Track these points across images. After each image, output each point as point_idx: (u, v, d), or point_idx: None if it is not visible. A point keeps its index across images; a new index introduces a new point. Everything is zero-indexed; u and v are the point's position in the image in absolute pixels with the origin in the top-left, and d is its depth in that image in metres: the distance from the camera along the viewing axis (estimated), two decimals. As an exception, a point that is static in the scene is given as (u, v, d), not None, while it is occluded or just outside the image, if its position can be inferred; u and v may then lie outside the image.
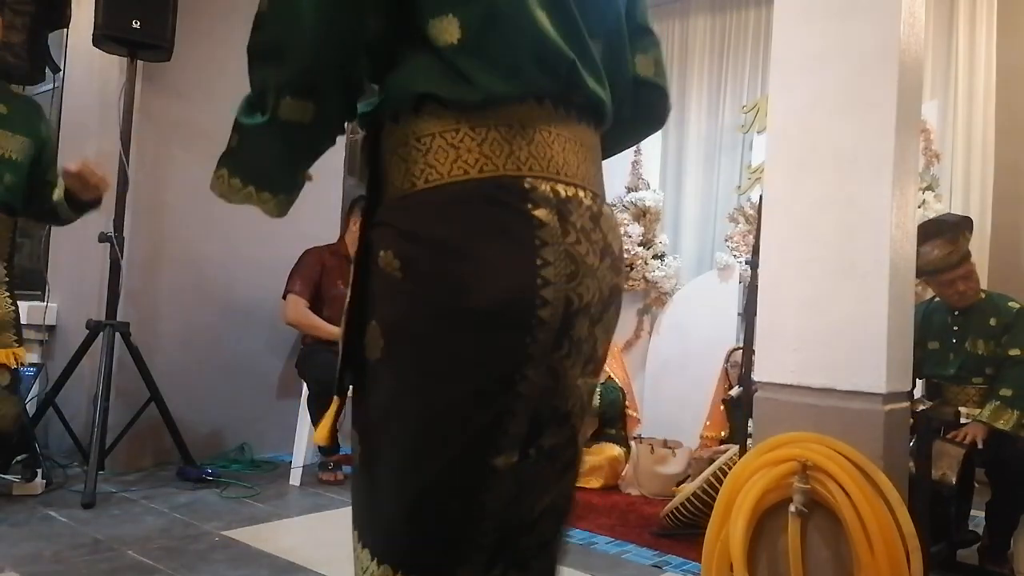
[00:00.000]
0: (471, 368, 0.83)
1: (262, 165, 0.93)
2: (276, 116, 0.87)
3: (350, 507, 0.94)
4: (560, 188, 0.87)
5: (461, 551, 0.86)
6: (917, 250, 2.75)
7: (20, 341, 2.18)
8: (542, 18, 0.86)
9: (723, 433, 3.64)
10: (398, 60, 0.88)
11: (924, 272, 2.82)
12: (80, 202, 2.14)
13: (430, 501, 0.85)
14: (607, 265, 0.92)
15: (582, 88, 0.91)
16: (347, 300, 0.92)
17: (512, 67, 0.85)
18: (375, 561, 0.87)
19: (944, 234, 2.77)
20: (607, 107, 0.95)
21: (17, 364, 2.21)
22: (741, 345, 3.77)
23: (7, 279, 2.12)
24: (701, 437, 3.73)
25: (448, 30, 0.84)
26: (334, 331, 3.42)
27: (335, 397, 0.94)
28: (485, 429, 0.84)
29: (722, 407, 3.71)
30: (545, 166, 0.86)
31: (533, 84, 0.87)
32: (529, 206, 0.84)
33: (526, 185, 0.85)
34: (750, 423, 2.21)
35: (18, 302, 2.27)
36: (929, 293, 3.40)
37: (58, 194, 2.17)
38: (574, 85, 0.90)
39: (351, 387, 0.93)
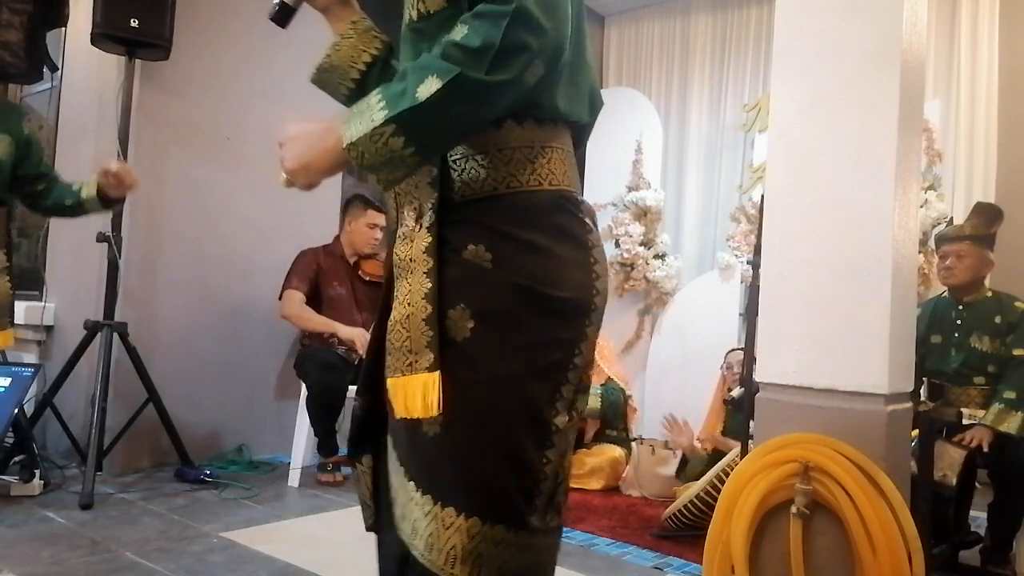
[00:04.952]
0: (550, 343, 1.01)
1: (449, 124, 0.92)
2: (521, 77, 0.91)
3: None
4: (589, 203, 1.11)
5: (531, 500, 1.02)
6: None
7: (12, 323, 2.29)
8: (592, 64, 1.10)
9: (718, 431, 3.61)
10: None
11: (938, 240, 2.94)
12: (109, 199, 2.26)
13: (514, 457, 1.00)
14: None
15: (590, 129, 1.15)
16: (430, 288, 1.00)
17: (582, 97, 1.08)
18: (462, 516, 0.99)
19: (983, 213, 2.85)
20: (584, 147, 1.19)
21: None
22: (739, 346, 3.77)
23: (7, 264, 2.22)
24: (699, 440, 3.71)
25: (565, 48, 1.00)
26: (327, 323, 3.42)
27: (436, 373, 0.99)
28: (551, 394, 1.02)
29: (724, 407, 3.68)
30: (577, 184, 1.09)
31: (584, 115, 1.09)
32: (582, 214, 1.06)
33: (577, 197, 1.07)
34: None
35: (15, 291, 2.37)
36: (932, 293, 3.39)
37: (88, 191, 2.29)
38: (592, 126, 1.15)
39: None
